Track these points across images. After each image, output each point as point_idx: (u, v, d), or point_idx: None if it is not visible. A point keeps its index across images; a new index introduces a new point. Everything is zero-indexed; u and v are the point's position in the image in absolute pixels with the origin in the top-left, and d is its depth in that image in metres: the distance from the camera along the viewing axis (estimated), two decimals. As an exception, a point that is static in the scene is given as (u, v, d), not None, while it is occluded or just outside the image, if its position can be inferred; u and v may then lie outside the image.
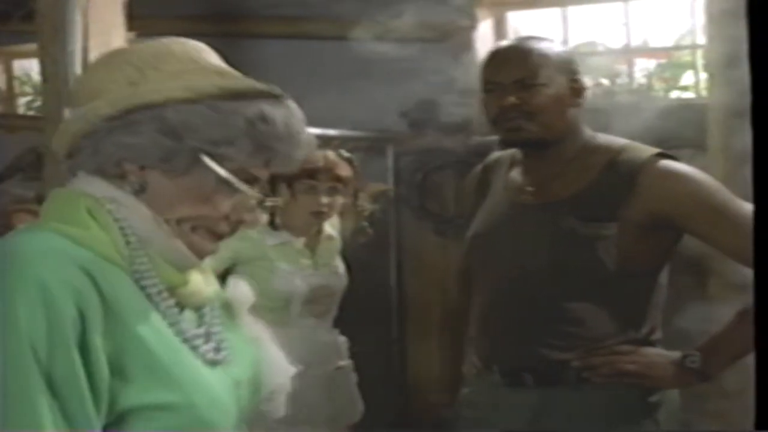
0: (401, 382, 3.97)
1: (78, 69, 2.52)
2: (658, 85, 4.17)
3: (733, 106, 3.09)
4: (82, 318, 1.08)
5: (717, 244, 2.12)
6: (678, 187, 2.10)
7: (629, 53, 4.08)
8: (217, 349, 1.25)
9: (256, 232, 2.84)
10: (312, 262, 3.02)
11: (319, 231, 3.07)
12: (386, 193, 3.70)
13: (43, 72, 2.59)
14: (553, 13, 4.16)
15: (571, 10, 4.12)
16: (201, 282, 1.27)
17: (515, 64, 2.15)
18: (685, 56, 4.10)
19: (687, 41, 4.05)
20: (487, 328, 2.24)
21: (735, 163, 3.13)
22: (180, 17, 3.36)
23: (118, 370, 1.11)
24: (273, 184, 3.02)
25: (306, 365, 2.87)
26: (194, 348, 1.21)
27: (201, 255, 1.24)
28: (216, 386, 1.21)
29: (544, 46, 2.19)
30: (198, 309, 1.27)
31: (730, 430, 2.59)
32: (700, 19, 3.81)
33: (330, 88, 4.03)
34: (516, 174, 2.28)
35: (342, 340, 3.15)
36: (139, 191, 1.20)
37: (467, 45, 4.08)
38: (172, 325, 1.19)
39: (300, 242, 3.00)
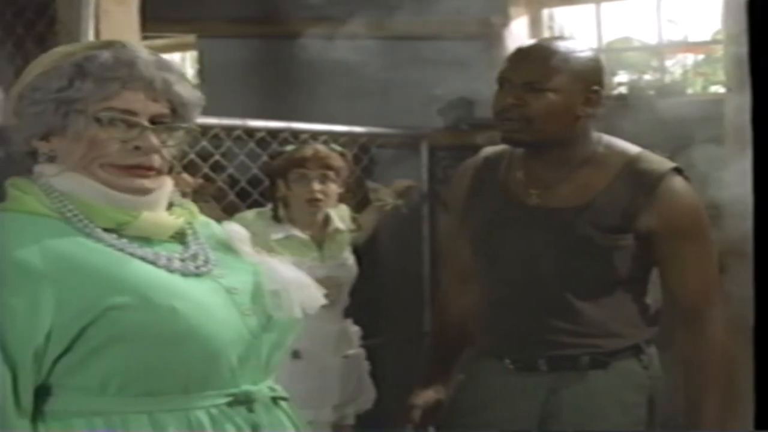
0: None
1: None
2: (695, 80, 4.14)
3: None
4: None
5: (677, 269, 2.16)
6: (685, 207, 2.15)
7: (664, 48, 4.07)
8: (205, 263, 1.49)
9: (260, 227, 2.96)
10: (319, 254, 3.11)
11: (326, 224, 3.16)
12: (412, 188, 3.75)
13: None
14: (588, 9, 4.17)
15: (605, 6, 4.13)
16: (163, 216, 1.51)
17: (530, 65, 2.11)
18: (721, 51, 4.06)
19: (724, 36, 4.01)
20: (495, 323, 2.27)
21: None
22: (197, 20, 3.49)
23: (69, 290, 1.36)
24: (272, 182, 3.16)
25: (310, 353, 2.98)
26: (154, 262, 1.45)
27: (136, 191, 1.46)
28: (193, 291, 1.44)
29: (569, 50, 2.13)
30: (181, 239, 1.52)
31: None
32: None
33: (366, 87, 4.13)
34: (518, 174, 2.24)
35: (353, 329, 3.24)
36: (52, 158, 1.47)
37: (500, 42, 4.12)
38: (119, 249, 1.43)
39: (305, 235, 3.10)
